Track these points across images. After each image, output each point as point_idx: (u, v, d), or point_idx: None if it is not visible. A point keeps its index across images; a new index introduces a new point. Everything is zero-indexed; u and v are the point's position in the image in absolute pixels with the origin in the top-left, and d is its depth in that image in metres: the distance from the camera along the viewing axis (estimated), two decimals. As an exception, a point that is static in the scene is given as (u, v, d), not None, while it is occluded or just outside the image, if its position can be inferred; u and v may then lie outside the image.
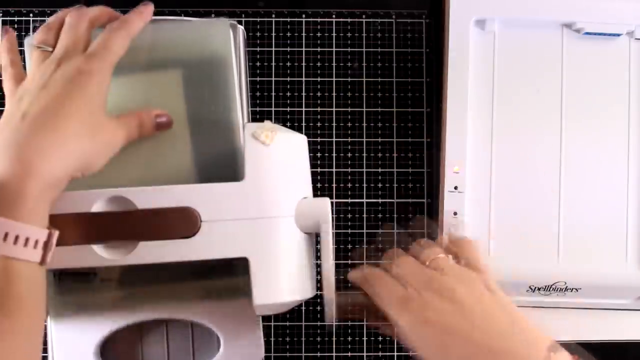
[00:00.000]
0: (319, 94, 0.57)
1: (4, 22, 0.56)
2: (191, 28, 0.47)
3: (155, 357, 0.47)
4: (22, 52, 0.59)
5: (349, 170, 0.57)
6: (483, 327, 0.40)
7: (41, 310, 0.38)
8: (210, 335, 0.46)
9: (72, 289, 0.45)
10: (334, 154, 0.57)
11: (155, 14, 0.55)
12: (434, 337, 0.40)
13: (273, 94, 0.57)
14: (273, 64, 0.57)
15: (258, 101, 0.57)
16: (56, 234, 0.38)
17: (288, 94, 0.57)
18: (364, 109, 0.57)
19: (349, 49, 0.57)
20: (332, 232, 0.56)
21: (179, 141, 0.46)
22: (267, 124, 0.44)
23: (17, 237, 0.35)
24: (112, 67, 0.41)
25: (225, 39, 0.47)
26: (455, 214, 0.53)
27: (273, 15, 0.57)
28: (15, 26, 0.56)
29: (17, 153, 0.36)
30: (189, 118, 0.46)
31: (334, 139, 0.57)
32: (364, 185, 0.57)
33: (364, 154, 0.57)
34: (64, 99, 0.38)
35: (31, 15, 0.56)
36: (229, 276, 0.46)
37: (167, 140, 0.46)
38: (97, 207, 0.41)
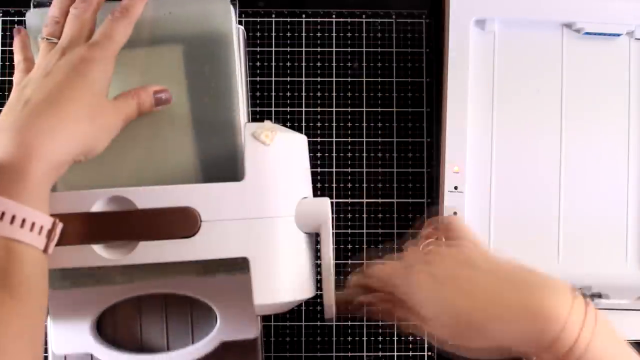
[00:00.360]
0: (319, 94, 0.57)
1: (4, 22, 0.56)
2: (191, 4, 0.47)
3: (154, 332, 0.47)
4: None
5: (349, 170, 0.57)
6: (506, 277, 0.38)
7: (44, 293, 0.38)
8: (209, 311, 0.46)
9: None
10: (334, 154, 0.57)
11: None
12: (453, 305, 0.38)
13: (273, 94, 0.57)
14: (273, 64, 0.57)
15: (258, 101, 0.57)
16: (60, 225, 0.39)
17: (288, 94, 0.57)
18: (364, 109, 0.57)
19: (349, 49, 0.57)
20: (332, 232, 0.56)
21: (179, 125, 0.46)
22: (267, 124, 0.44)
23: (23, 221, 0.36)
24: (115, 55, 0.42)
25: (226, 14, 0.46)
26: (455, 214, 0.53)
27: (273, 15, 0.57)
28: (16, 26, 0.56)
29: (19, 137, 0.37)
30: (190, 94, 0.46)
31: (334, 139, 0.57)
32: (364, 185, 0.57)
33: (364, 154, 0.57)
34: (65, 85, 0.39)
35: (31, 15, 0.56)
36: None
37: (168, 125, 0.46)
38: (97, 207, 0.41)
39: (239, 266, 0.44)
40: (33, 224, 0.36)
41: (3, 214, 0.35)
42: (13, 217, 0.35)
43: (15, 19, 0.56)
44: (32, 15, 0.46)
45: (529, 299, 0.36)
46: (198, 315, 0.47)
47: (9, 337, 0.35)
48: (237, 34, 0.47)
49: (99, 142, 0.41)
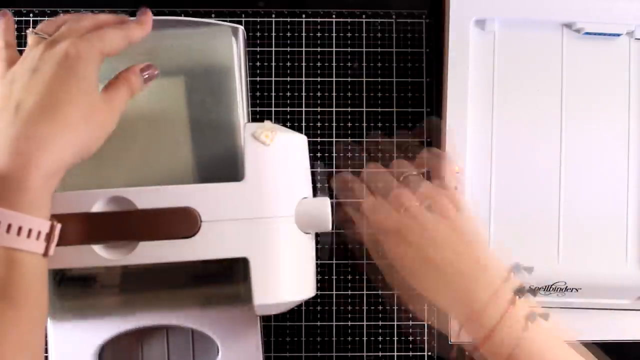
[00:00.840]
0: (319, 94, 0.57)
1: (4, 22, 0.56)
2: (194, 36, 0.47)
3: None
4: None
5: (349, 170, 0.57)
6: (441, 246, 0.46)
7: (44, 301, 0.38)
8: (211, 341, 0.46)
9: (72, 294, 0.45)
10: (334, 154, 0.57)
11: (156, 13, 0.55)
12: (410, 271, 0.48)
13: (273, 94, 0.57)
14: (273, 64, 0.57)
15: (258, 101, 0.57)
16: (58, 226, 0.38)
17: (288, 94, 0.57)
18: (364, 109, 0.57)
19: (349, 49, 0.57)
20: (332, 232, 0.56)
21: (181, 143, 0.46)
22: (267, 124, 0.44)
23: (20, 228, 0.36)
24: (101, 56, 0.41)
25: (228, 47, 0.47)
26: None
27: (273, 15, 0.57)
28: (16, 26, 0.56)
29: (14, 147, 0.36)
30: (191, 123, 0.46)
31: (334, 139, 0.57)
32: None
33: (364, 154, 0.57)
34: (56, 86, 0.38)
35: (31, 15, 0.56)
36: (227, 283, 0.46)
37: (169, 142, 0.46)
38: (97, 207, 0.41)
39: (241, 298, 0.44)
40: (30, 230, 0.36)
41: None
42: (9, 226, 0.35)
43: (16, 18, 0.56)
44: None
45: (464, 286, 0.45)
46: (200, 346, 0.47)
47: (8, 348, 0.34)
48: (239, 62, 0.47)
49: (96, 141, 0.40)
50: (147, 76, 0.44)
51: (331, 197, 0.52)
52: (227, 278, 0.46)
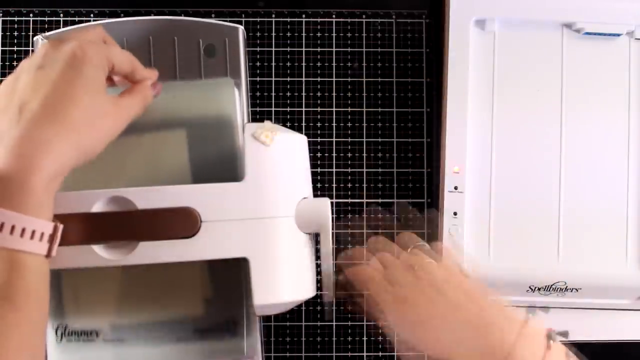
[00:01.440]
0: (319, 94, 0.57)
1: (4, 22, 0.56)
2: (195, 87, 0.47)
3: None
4: (18, 53, 0.58)
5: (349, 170, 0.57)
6: (465, 307, 0.43)
7: (45, 302, 0.38)
8: None
9: (74, 348, 0.45)
10: (334, 154, 0.57)
11: (156, 13, 0.55)
12: (425, 331, 0.44)
13: (273, 94, 0.57)
14: (273, 64, 0.57)
15: (258, 101, 0.57)
16: (61, 227, 0.38)
17: (288, 94, 0.57)
18: (364, 109, 0.57)
19: (349, 49, 0.57)
20: (332, 232, 0.56)
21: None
22: (267, 124, 0.44)
23: (23, 230, 0.36)
24: (108, 63, 0.40)
25: (229, 100, 0.47)
26: (455, 214, 0.53)
27: (273, 15, 0.57)
28: (15, 26, 0.56)
29: (19, 148, 0.36)
30: (193, 174, 0.46)
31: (334, 139, 0.57)
32: (364, 185, 0.57)
33: (364, 154, 0.57)
34: (61, 85, 0.38)
35: (31, 15, 0.56)
36: (230, 338, 0.46)
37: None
38: (97, 207, 0.41)
39: (245, 352, 0.45)
40: (33, 232, 0.36)
41: (2, 224, 0.35)
42: (13, 228, 0.35)
43: (15, 18, 0.56)
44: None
45: (481, 340, 0.41)
46: None
47: (10, 349, 0.35)
48: (241, 114, 0.47)
49: (100, 145, 0.40)
50: (155, 91, 0.45)
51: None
52: (229, 332, 0.46)
